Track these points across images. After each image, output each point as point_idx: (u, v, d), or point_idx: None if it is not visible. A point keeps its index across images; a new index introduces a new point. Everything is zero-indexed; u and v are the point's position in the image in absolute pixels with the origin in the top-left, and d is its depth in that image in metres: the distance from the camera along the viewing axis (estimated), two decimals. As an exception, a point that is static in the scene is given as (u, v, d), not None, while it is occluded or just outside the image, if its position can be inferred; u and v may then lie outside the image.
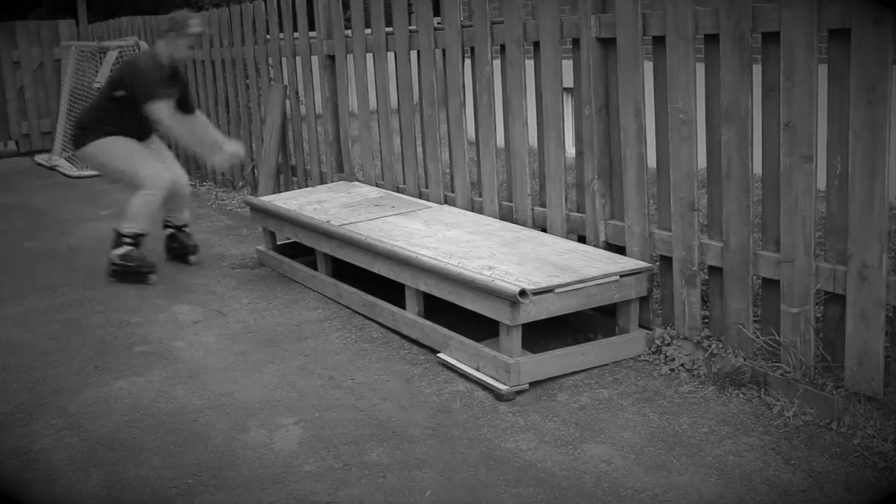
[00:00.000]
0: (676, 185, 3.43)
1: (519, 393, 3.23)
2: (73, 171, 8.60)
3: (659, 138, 3.52)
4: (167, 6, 13.80)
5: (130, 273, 4.87)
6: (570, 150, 5.47)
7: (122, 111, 4.91)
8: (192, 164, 8.12)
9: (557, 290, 3.32)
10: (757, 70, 3.11)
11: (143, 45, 8.48)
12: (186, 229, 5.33)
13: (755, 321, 3.29)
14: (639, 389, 3.23)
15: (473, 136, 4.63)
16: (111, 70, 8.47)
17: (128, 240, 4.87)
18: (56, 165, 8.99)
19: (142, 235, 4.91)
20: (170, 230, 5.31)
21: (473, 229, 4.16)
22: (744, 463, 2.69)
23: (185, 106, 5.18)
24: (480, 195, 4.55)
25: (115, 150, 4.92)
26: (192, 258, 5.26)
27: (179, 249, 5.28)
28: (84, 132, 5.01)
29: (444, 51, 4.63)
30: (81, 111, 5.88)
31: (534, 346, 3.50)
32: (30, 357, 3.82)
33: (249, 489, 2.66)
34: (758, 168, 3.26)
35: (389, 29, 5.01)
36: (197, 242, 5.35)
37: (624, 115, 3.62)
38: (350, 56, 5.52)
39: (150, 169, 4.86)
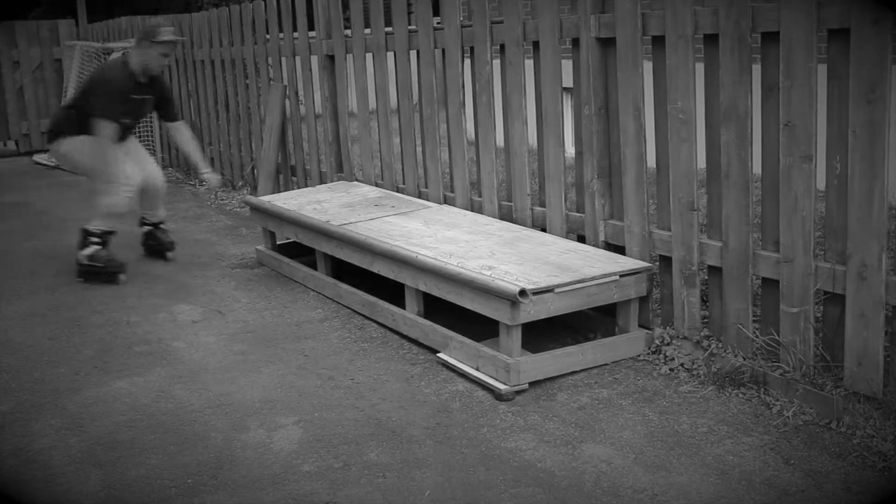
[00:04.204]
0: (676, 185, 3.43)
1: (518, 393, 3.23)
2: None
3: (658, 138, 3.52)
4: (166, 6, 13.81)
5: (99, 273, 4.89)
6: (570, 150, 5.48)
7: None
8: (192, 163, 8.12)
9: (557, 290, 3.32)
10: (756, 70, 3.11)
11: None
12: (163, 226, 5.39)
13: (754, 321, 3.29)
14: (638, 389, 3.23)
15: (473, 136, 4.63)
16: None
17: (95, 239, 4.90)
18: (60, 164, 8.98)
19: (109, 234, 4.95)
20: (146, 227, 5.38)
21: (473, 229, 4.16)
22: (743, 462, 2.69)
23: (166, 114, 5.26)
24: (480, 195, 4.55)
25: (87, 148, 4.92)
26: (169, 255, 5.32)
27: (156, 246, 5.35)
28: (58, 130, 5.06)
29: (443, 51, 4.63)
30: (57, 110, 5.66)
31: (534, 345, 3.50)
32: (30, 357, 3.82)
33: (249, 489, 2.66)
34: (757, 168, 3.26)
35: (389, 29, 5.01)
36: (173, 239, 5.39)
37: (623, 115, 3.62)
38: (349, 56, 5.52)
39: (121, 168, 4.85)
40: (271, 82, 6.61)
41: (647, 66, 3.56)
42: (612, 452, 2.79)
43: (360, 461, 2.80)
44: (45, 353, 3.86)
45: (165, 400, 3.32)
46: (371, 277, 4.20)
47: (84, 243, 4.92)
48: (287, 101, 6.42)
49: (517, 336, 3.28)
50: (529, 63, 4.10)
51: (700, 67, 3.31)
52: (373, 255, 4.02)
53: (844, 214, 2.91)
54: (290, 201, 4.97)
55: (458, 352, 3.48)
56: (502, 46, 4.22)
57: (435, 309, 3.79)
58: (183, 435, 3.03)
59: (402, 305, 3.89)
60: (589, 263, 3.54)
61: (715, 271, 3.38)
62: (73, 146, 4.99)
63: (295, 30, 6.09)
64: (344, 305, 4.28)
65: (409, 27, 4.90)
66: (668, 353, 3.44)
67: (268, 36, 6.51)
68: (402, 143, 5.09)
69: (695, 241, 3.40)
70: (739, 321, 3.28)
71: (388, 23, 5.01)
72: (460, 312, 3.61)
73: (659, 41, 3.43)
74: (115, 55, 8.54)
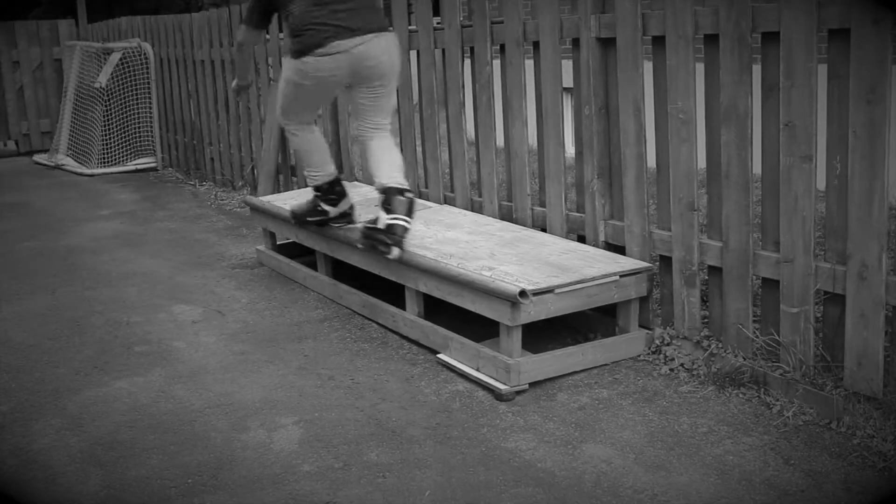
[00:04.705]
0: (676, 185, 3.43)
1: (519, 393, 3.23)
2: (87, 170, 8.55)
3: (658, 138, 3.52)
4: (167, 6, 13.82)
5: (386, 243, 3.75)
6: (570, 150, 5.48)
7: None
8: (192, 164, 8.12)
9: (557, 291, 3.32)
10: (756, 70, 3.11)
11: (146, 46, 8.47)
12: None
13: (755, 321, 3.29)
14: (638, 389, 3.23)
15: (473, 136, 4.63)
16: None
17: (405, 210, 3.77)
18: (62, 164, 8.97)
19: None
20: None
21: (473, 229, 4.16)
22: (743, 463, 2.69)
23: None
24: (480, 195, 4.55)
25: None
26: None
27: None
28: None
29: (443, 51, 4.63)
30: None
31: (534, 346, 3.50)
32: (30, 357, 3.82)
33: (249, 489, 2.67)
34: (757, 168, 3.26)
35: (389, 29, 5.01)
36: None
37: (623, 115, 3.62)
38: (350, 56, 5.51)
39: None
40: (271, 82, 6.60)
41: (648, 66, 3.56)
42: (612, 452, 2.79)
43: (360, 461, 2.80)
44: (45, 353, 3.86)
45: (165, 400, 3.32)
46: (371, 277, 4.20)
47: (391, 207, 3.77)
48: (287, 102, 6.41)
49: (517, 337, 3.28)
50: (529, 63, 4.09)
51: (700, 67, 3.31)
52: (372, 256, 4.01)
53: (844, 214, 2.91)
54: (290, 201, 4.97)
55: (458, 352, 3.48)
56: (502, 46, 4.22)
57: (435, 310, 3.79)
58: (183, 435, 3.03)
59: (402, 306, 3.89)
60: (589, 264, 3.54)
61: (715, 271, 3.38)
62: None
63: (295, 30, 6.08)
64: (344, 306, 4.28)
65: (409, 27, 4.90)
66: (668, 354, 3.44)
67: (268, 36, 6.50)
68: (402, 143, 5.09)
69: (695, 241, 3.40)
70: (739, 321, 3.28)
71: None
72: (460, 313, 3.61)
73: (659, 41, 3.43)
74: (115, 53, 8.57)
